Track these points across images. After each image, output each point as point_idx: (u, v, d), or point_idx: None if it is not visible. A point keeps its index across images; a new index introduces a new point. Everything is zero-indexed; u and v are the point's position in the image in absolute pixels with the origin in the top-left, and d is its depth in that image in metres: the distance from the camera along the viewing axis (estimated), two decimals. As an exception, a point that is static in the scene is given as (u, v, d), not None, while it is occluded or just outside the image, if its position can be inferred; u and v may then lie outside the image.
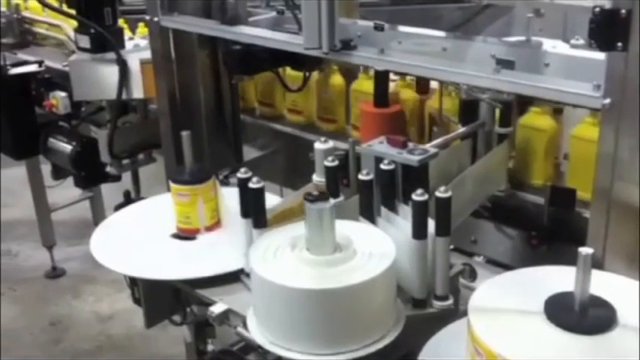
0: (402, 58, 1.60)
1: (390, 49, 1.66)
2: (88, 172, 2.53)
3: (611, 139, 1.28)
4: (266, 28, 1.88)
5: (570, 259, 1.18)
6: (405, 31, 1.72)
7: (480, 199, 1.69)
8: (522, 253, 1.79)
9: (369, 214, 1.40)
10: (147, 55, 2.20)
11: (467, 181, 1.58)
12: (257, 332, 1.29)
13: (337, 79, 2.13)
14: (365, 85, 2.01)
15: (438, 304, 1.33)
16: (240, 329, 1.36)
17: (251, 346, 1.47)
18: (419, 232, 1.28)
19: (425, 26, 1.69)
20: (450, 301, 1.33)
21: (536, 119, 1.72)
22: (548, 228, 1.68)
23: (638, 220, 1.29)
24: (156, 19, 2.03)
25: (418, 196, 1.27)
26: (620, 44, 1.21)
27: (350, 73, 2.13)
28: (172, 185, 1.57)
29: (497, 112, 1.72)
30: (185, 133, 1.63)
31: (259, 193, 1.36)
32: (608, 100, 1.26)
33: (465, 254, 1.78)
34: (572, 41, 1.61)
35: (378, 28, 1.58)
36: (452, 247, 1.61)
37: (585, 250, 1.02)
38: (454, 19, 2.69)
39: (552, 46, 1.56)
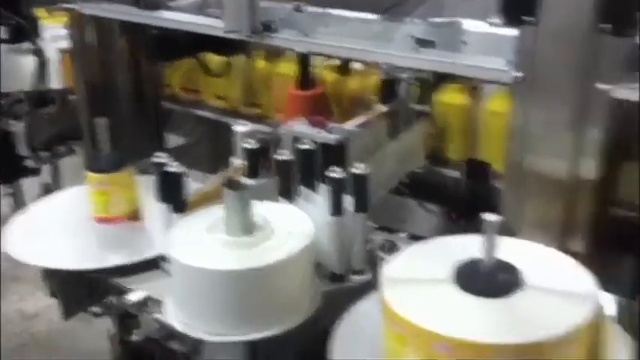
0: (323, 39, 1.61)
1: (312, 31, 1.67)
2: (6, 166, 2.45)
3: (522, 112, 1.32)
4: (190, 13, 1.86)
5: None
6: (328, 12, 1.73)
7: (400, 176, 1.72)
8: (444, 228, 1.83)
9: (288, 194, 1.40)
10: (66, 43, 2.15)
11: (386, 158, 1.61)
12: (175, 317, 1.28)
13: (260, 63, 2.12)
14: (287, 67, 2.01)
15: (356, 278, 1.35)
16: (158, 316, 1.34)
17: (174, 333, 1.46)
18: (336, 208, 1.30)
19: (355, 9, 1.70)
20: (368, 276, 1.35)
21: (450, 96, 1.76)
22: (466, 201, 1.73)
23: (548, 190, 1.34)
24: (74, 6, 1.99)
25: (335, 173, 1.28)
26: (529, 18, 1.25)
27: (273, 57, 2.13)
28: (88, 174, 1.54)
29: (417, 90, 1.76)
30: (100, 120, 1.59)
31: (177, 177, 1.35)
32: (519, 74, 1.29)
33: (389, 231, 1.81)
34: (490, 19, 1.65)
35: (298, 10, 1.58)
36: (376, 225, 1.64)
37: (490, 217, 1.05)
38: (384, 1, 2.72)
39: (472, 25, 1.60)
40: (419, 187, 1.84)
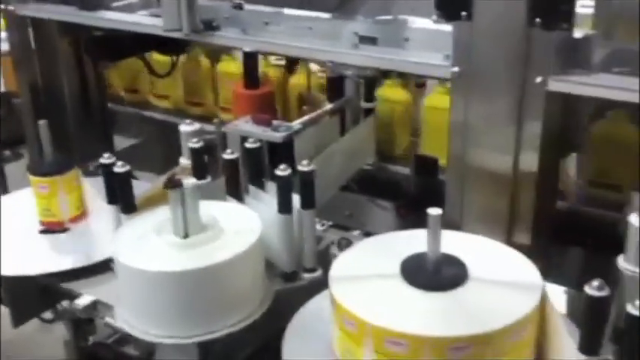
0: (265, 37, 1.61)
1: (256, 29, 1.67)
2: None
3: (462, 106, 1.34)
4: (132, 13, 1.84)
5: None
6: (271, 11, 1.73)
7: (350, 173, 1.73)
8: (395, 224, 1.85)
9: (236, 193, 1.40)
10: (5, 46, 2.10)
11: (335, 155, 1.62)
12: (125, 321, 1.26)
13: (204, 62, 2.11)
14: (231, 66, 2.01)
15: (307, 276, 1.35)
16: (108, 319, 1.33)
17: (127, 337, 1.44)
18: (284, 206, 1.30)
19: (303, 8, 1.71)
20: (319, 273, 1.35)
21: (392, 92, 1.78)
22: (414, 197, 1.75)
23: (491, 184, 1.37)
24: (11, 7, 1.94)
25: (281, 171, 1.28)
26: (464, 14, 1.27)
27: (217, 56, 2.12)
28: (31, 177, 1.51)
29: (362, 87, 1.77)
30: (42, 123, 1.56)
31: (125, 177, 1.33)
32: (456, 69, 1.32)
33: (343, 229, 1.82)
34: (434, 17, 1.67)
35: (237, 8, 1.58)
36: (330, 223, 1.65)
37: (433, 212, 1.06)
38: (333, 1, 2.73)
39: (415, 23, 1.62)
40: (369, 183, 1.86)
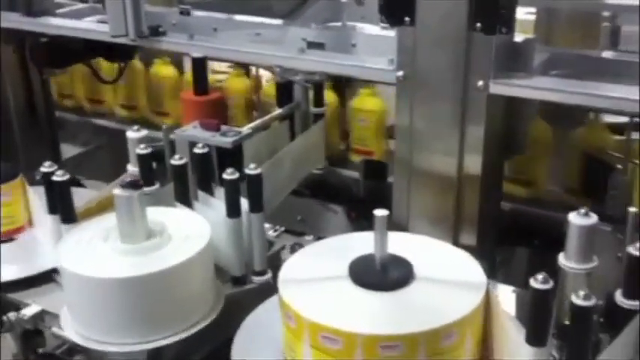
0: (212, 43, 1.61)
1: (204, 35, 1.67)
2: None
3: (407, 110, 1.36)
4: (79, 19, 1.83)
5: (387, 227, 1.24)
6: (220, 17, 1.74)
7: (300, 178, 1.74)
8: (346, 227, 1.87)
9: (185, 199, 1.39)
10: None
11: (284, 160, 1.62)
12: (74, 330, 1.25)
13: (155, 69, 2.11)
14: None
15: (256, 280, 1.36)
16: (55, 329, 1.31)
17: (76, 347, 1.42)
18: (232, 210, 1.30)
19: (255, 15, 1.72)
20: (268, 276, 1.36)
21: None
22: (364, 200, 1.77)
23: (437, 186, 1.39)
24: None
25: (229, 175, 1.28)
26: (407, 19, 1.30)
27: (169, 62, 2.12)
28: (-29, 187, 1.48)
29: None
30: (-18, 132, 1.54)
31: (65, 187, 1.31)
32: (400, 73, 1.34)
33: (295, 234, 1.83)
34: (382, 23, 1.70)
35: (184, 14, 1.58)
36: (283, 228, 1.66)
37: (380, 213, 1.08)
38: (284, 8, 2.75)
39: (363, 28, 1.65)
40: (320, 188, 1.87)
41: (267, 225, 1.67)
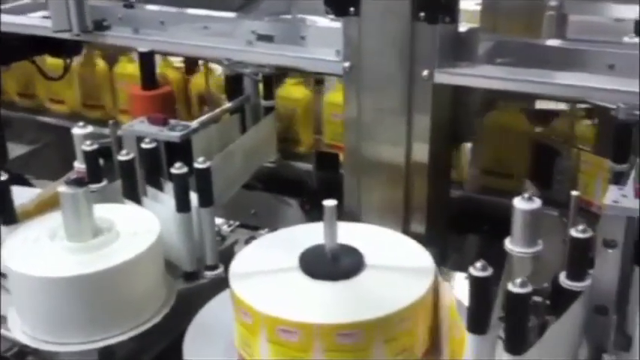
0: (158, 36, 1.60)
1: (150, 28, 1.65)
2: None
3: (354, 100, 1.37)
4: (22, 15, 1.79)
5: (339, 218, 1.25)
6: (167, 10, 1.72)
7: (251, 171, 1.74)
8: (300, 219, 1.87)
9: (133, 195, 1.37)
10: None
11: (235, 153, 1.62)
12: (22, 331, 1.22)
13: (100, 64, 2.07)
14: (128, 67, 1.98)
15: (208, 274, 1.35)
16: (3, 331, 1.28)
17: (27, 349, 1.40)
18: (181, 205, 1.29)
19: (205, 8, 1.70)
20: (220, 270, 1.35)
21: (291, 90, 1.80)
22: (317, 192, 1.77)
23: (386, 175, 1.41)
24: None
25: (177, 169, 1.27)
26: (352, 9, 1.30)
27: (114, 57, 2.09)
28: None
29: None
30: None
31: (3, 187, 1.28)
32: (347, 64, 1.34)
33: (250, 228, 1.82)
34: (328, 15, 1.70)
35: (128, 6, 1.56)
36: (237, 223, 1.65)
37: (329, 203, 1.08)
38: (235, 1, 2.73)
39: (312, 21, 1.64)
40: (273, 181, 1.87)
41: (221, 220, 1.67)
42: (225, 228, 1.65)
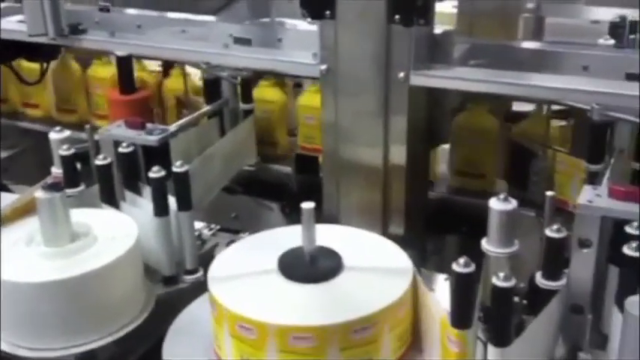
0: (135, 40, 1.59)
1: (127, 32, 1.64)
2: None
3: (332, 103, 1.37)
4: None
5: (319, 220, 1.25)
6: (142, 14, 1.71)
7: (231, 175, 1.73)
8: (281, 223, 1.87)
9: (111, 199, 1.37)
10: None
11: (214, 157, 1.61)
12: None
13: (74, 68, 2.06)
14: (102, 71, 1.97)
15: (188, 279, 1.35)
16: (-20, 338, 1.27)
17: (5, 355, 1.39)
18: (159, 209, 1.29)
19: (184, 12, 1.70)
20: (200, 274, 1.35)
21: (267, 92, 1.80)
22: (297, 195, 1.77)
23: (364, 178, 1.41)
24: None
25: (154, 173, 1.27)
26: (328, 12, 1.31)
27: (88, 61, 2.08)
28: None
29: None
30: None
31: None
32: (324, 67, 1.35)
33: (231, 232, 1.82)
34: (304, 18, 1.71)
35: (104, 10, 1.55)
36: (218, 227, 1.65)
37: (306, 206, 1.09)
38: (213, 5, 2.73)
39: (290, 24, 1.65)
40: (253, 184, 1.87)
41: (201, 224, 1.67)
42: (206, 232, 1.65)
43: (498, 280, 0.92)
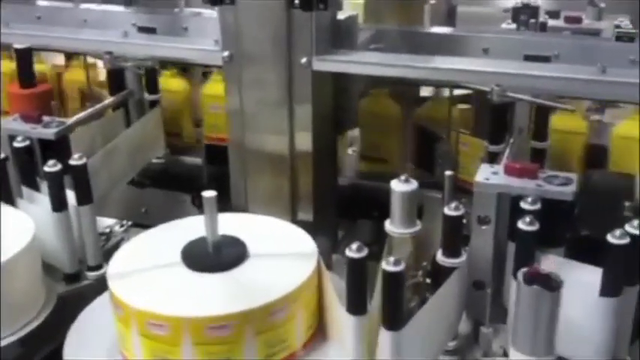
0: (28, 30, 1.54)
1: (26, 23, 1.58)
2: None
3: (236, 90, 1.36)
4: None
5: (227, 210, 1.22)
6: (41, 4, 1.66)
7: (138, 167, 1.69)
8: (192, 215, 1.83)
9: (7, 196, 1.31)
10: None
11: (118, 149, 1.57)
12: None
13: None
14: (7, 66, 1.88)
15: (91, 275, 1.31)
16: None
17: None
18: (57, 204, 1.24)
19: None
20: (103, 270, 1.31)
21: (169, 82, 1.77)
22: (208, 186, 1.74)
23: (271, 165, 1.40)
24: None
25: (50, 167, 1.22)
26: (227, -2, 1.29)
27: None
28: None
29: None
30: None
31: None
32: (226, 54, 1.33)
33: (143, 227, 1.77)
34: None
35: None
36: (130, 223, 1.61)
37: (207, 194, 1.07)
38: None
39: (200, 13, 1.62)
40: (162, 177, 1.83)
41: (113, 220, 1.62)
42: (117, 228, 1.61)
43: (388, 265, 0.91)
